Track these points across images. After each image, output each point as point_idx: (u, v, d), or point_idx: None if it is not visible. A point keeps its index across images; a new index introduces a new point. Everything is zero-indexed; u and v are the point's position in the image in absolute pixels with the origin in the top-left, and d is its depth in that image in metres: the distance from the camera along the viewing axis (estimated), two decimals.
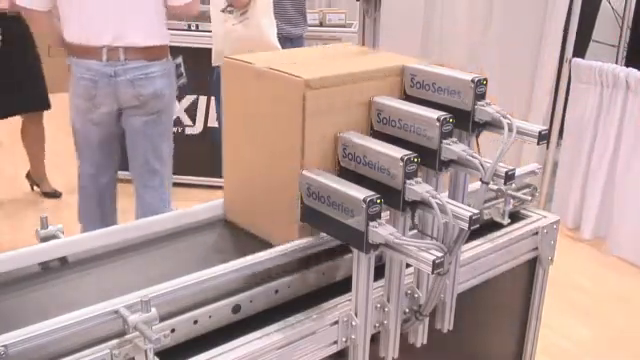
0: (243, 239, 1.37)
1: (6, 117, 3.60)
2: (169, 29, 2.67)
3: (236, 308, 1.12)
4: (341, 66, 1.33)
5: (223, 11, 2.90)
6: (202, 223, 1.45)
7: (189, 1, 2.61)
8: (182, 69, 2.94)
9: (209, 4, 2.99)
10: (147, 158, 2.69)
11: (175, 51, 3.45)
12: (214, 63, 2.97)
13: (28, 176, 3.88)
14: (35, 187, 3.88)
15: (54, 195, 3.79)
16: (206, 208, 1.46)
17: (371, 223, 1.04)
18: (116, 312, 0.98)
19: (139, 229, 1.38)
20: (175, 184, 3.08)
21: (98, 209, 2.73)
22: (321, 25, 4.00)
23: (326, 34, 4.10)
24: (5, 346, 0.89)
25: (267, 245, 1.24)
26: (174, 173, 2.99)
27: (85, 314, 0.97)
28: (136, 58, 2.50)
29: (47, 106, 3.68)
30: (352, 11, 4.05)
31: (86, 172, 2.69)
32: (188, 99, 4.02)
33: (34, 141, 3.74)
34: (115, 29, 2.46)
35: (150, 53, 2.53)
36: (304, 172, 1.17)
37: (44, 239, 1.25)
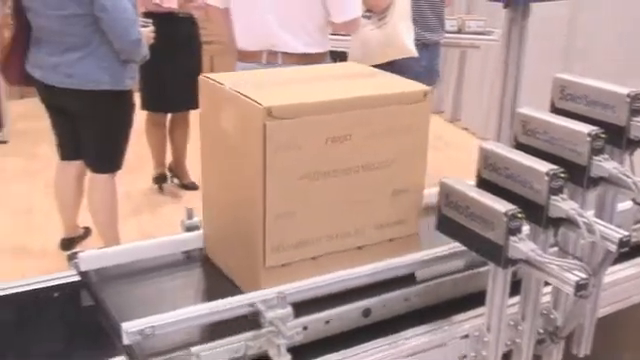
0: None
1: (165, 112, 3.82)
2: None
3: (367, 312, 1.12)
4: (323, 92, 1.14)
5: (362, 16, 2.92)
6: None
7: (347, 20, 2.61)
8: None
9: None
10: None
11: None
12: None
13: (170, 169, 4.09)
14: (175, 179, 4.09)
15: (192, 187, 3.97)
16: None
17: (511, 238, 1.01)
18: (252, 305, 1.02)
19: None
20: None
21: None
22: (460, 32, 3.92)
23: (464, 41, 4.02)
24: (153, 327, 0.95)
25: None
26: None
27: (223, 305, 1.01)
28: (293, 63, 2.57)
29: (197, 106, 3.84)
30: (492, 18, 3.96)
31: None
32: None
33: (180, 136, 3.94)
34: (276, 36, 2.55)
35: (308, 59, 2.57)
36: (443, 180, 1.16)
37: (189, 229, 1.32)
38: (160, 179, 4.01)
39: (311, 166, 1.07)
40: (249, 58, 2.60)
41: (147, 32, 2.79)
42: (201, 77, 1.18)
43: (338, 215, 1.13)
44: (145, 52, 2.69)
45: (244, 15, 2.60)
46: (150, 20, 2.89)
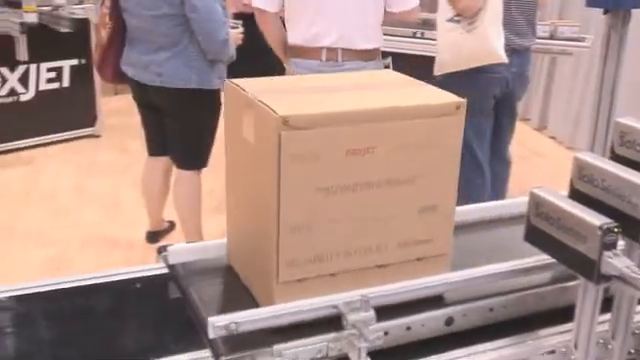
0: None
1: None
2: (394, 35, 2.74)
3: (449, 320, 1.11)
4: (347, 101, 1.08)
5: (450, 20, 2.88)
6: None
7: (408, 8, 2.69)
8: (390, 69, 3.02)
9: (437, 12, 3.00)
10: None
11: (398, 58, 3.51)
12: (436, 72, 2.97)
13: None
14: None
15: None
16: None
17: (605, 252, 0.97)
18: (335, 307, 1.02)
19: None
20: None
21: None
22: (551, 38, 3.81)
23: (556, 48, 3.90)
24: (237, 323, 0.96)
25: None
26: None
27: (306, 305, 1.02)
28: (352, 59, 2.62)
29: None
30: (586, 24, 3.83)
31: None
32: None
33: None
34: (337, 32, 2.61)
35: (366, 54, 2.66)
36: (534, 190, 1.12)
37: None
38: None
39: (329, 179, 1.02)
40: (307, 55, 2.66)
41: (235, 33, 2.85)
42: (227, 82, 1.14)
43: (358, 231, 1.08)
44: (232, 53, 2.75)
45: (304, 12, 2.64)
46: (240, 22, 2.96)
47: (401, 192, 1.08)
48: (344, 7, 2.64)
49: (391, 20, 2.91)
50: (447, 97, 1.12)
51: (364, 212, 1.07)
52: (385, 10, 2.74)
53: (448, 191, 1.14)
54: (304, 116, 0.98)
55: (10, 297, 1.15)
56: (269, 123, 0.98)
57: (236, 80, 1.13)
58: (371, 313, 0.99)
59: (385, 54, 3.03)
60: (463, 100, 1.10)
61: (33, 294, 1.17)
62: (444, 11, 2.87)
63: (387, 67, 2.99)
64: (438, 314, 1.10)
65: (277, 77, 1.27)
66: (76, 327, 1.12)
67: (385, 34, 2.98)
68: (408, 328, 1.08)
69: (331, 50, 2.64)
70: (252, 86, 1.09)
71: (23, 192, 4.06)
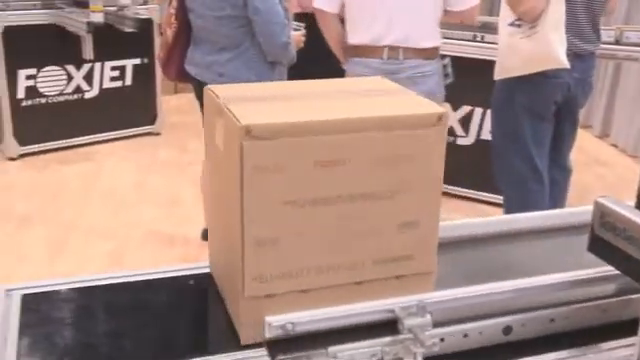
0: None
1: None
2: (453, 38, 2.74)
3: (507, 330, 1.09)
4: (321, 110, 1.02)
5: (511, 24, 2.84)
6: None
7: (467, 8, 2.71)
8: (449, 70, 3.01)
9: (498, 16, 2.96)
10: None
11: (458, 61, 3.48)
12: (496, 77, 2.93)
13: None
14: None
15: None
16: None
17: None
18: (391, 311, 1.01)
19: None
20: None
21: None
22: (617, 43, 3.70)
23: (621, 53, 3.79)
24: (293, 323, 0.97)
25: None
26: None
27: (362, 308, 1.02)
28: (413, 57, 2.65)
29: None
30: None
31: None
32: (463, 109, 4.01)
33: None
34: (397, 32, 2.64)
35: (426, 53, 2.69)
36: (599, 199, 1.10)
37: None
38: None
39: (297, 192, 0.97)
40: (368, 54, 2.71)
41: (297, 36, 2.87)
42: (205, 88, 1.10)
43: (331, 246, 1.02)
44: (292, 55, 2.78)
45: (364, 13, 2.67)
46: (302, 24, 2.98)
47: (378, 207, 1.02)
48: (404, 6, 2.65)
49: (450, 20, 2.90)
50: (428, 108, 1.05)
51: (337, 227, 1.02)
52: (445, 9, 2.75)
53: (430, 206, 1.07)
54: (268, 125, 0.93)
55: (72, 289, 1.18)
56: (233, 132, 0.94)
57: (215, 86, 1.10)
58: (428, 318, 0.98)
59: (444, 56, 3.02)
60: (445, 111, 1.03)
61: (93, 287, 1.21)
62: (505, 15, 2.83)
63: (446, 67, 2.98)
64: (496, 322, 1.08)
65: (260, 83, 1.23)
66: (132, 321, 1.14)
67: (444, 37, 2.96)
68: (465, 335, 1.06)
69: (392, 49, 2.67)
70: (227, 92, 1.06)
71: (85, 188, 4.18)
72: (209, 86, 1.10)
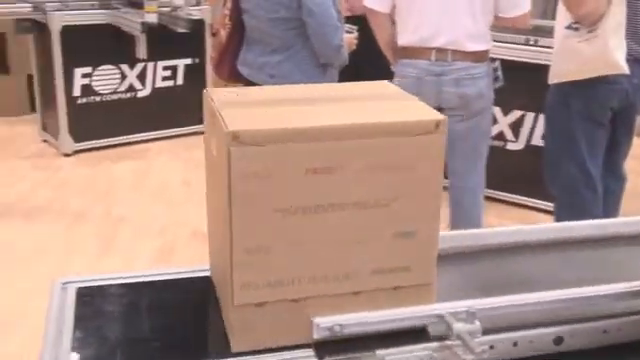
0: None
1: None
2: (504, 42, 2.70)
3: (558, 340, 1.07)
4: (314, 116, 0.99)
5: (568, 27, 2.78)
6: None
7: (520, 13, 2.67)
8: (499, 73, 2.96)
9: (552, 18, 2.92)
10: (466, 159, 2.78)
11: (509, 65, 3.43)
12: (550, 81, 2.87)
13: None
14: None
15: None
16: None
17: None
18: (440, 317, 1.01)
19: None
20: (487, 198, 3.08)
21: None
22: None
23: None
24: (341, 325, 0.97)
25: None
26: (489, 187, 2.99)
27: (410, 312, 1.01)
28: (462, 59, 2.62)
29: None
30: None
31: None
32: (514, 114, 3.95)
33: None
34: (448, 34, 2.63)
35: (475, 56, 2.67)
36: None
37: None
38: None
39: (287, 199, 0.95)
40: (417, 55, 2.69)
41: (350, 38, 2.88)
42: (204, 92, 1.08)
43: (324, 255, 0.99)
44: (344, 58, 2.78)
45: (412, 15, 2.65)
46: (355, 27, 2.98)
47: (372, 216, 0.99)
48: (453, 9, 2.63)
49: (501, 24, 2.87)
50: (426, 114, 1.01)
51: (329, 236, 0.99)
52: (496, 14, 2.71)
53: (429, 216, 1.03)
54: (256, 131, 0.91)
55: (123, 285, 1.20)
56: (222, 138, 0.92)
57: (213, 89, 1.08)
58: (477, 325, 0.97)
59: (494, 60, 2.98)
60: (444, 118, 0.99)
61: (141, 283, 1.22)
62: (563, 18, 2.78)
63: (496, 70, 2.94)
64: (547, 332, 1.06)
65: (261, 88, 1.21)
66: (179, 317, 1.15)
67: (495, 40, 2.92)
68: (515, 344, 1.05)
69: (441, 51, 2.65)
70: (223, 96, 1.04)
71: (135, 185, 4.27)
72: (208, 89, 1.08)
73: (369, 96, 1.13)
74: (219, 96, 1.04)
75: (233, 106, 1.00)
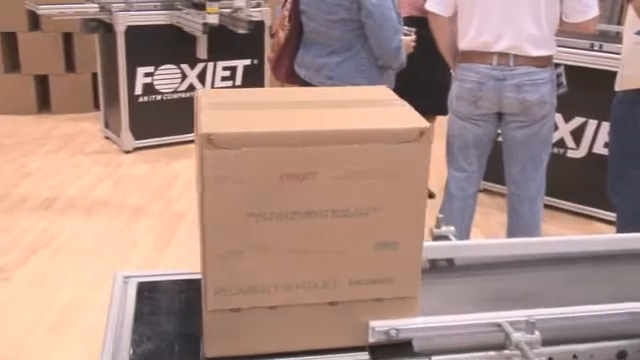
0: None
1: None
2: (568, 46, 2.64)
3: (621, 354, 1.04)
4: (294, 121, 0.96)
5: (638, 33, 2.70)
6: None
7: (588, 19, 2.59)
8: (563, 79, 2.89)
9: (617, 24, 2.83)
10: (526, 166, 2.73)
11: (572, 70, 3.35)
12: (617, 87, 2.79)
13: None
14: None
15: (429, 196, 3.99)
16: None
17: None
18: (498, 325, 0.99)
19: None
20: (546, 206, 3.01)
21: (459, 217, 2.83)
22: None
23: None
24: (397, 330, 0.97)
25: None
26: (548, 194, 2.93)
27: (468, 320, 1.00)
28: (524, 64, 2.58)
29: (444, 112, 3.84)
30: None
31: (455, 180, 2.84)
32: (576, 121, 3.86)
33: None
34: (511, 38, 2.58)
35: (538, 61, 2.62)
36: None
37: (437, 238, 1.32)
38: None
39: (261, 204, 0.92)
40: (478, 59, 2.66)
41: (408, 40, 2.86)
42: (195, 93, 1.08)
43: (300, 263, 0.97)
44: (403, 60, 2.76)
45: (477, 16, 2.62)
46: (413, 29, 2.95)
47: (352, 225, 0.96)
48: (516, 14, 2.58)
49: (566, 29, 2.79)
50: (411, 122, 0.97)
51: (306, 243, 0.96)
52: (562, 19, 2.65)
53: (412, 227, 0.99)
54: (230, 135, 0.89)
55: (182, 281, 1.22)
56: (197, 140, 0.91)
57: (208, 90, 1.06)
58: (537, 335, 0.95)
59: (557, 65, 2.91)
60: (427, 126, 0.96)
61: (199, 280, 1.24)
62: (632, 23, 2.69)
63: (559, 76, 2.87)
64: (610, 346, 1.03)
65: (252, 90, 1.17)
66: None
67: (559, 45, 2.86)
68: (575, 356, 1.02)
69: (502, 55, 2.60)
70: (211, 97, 1.03)
71: (191, 183, 4.32)
72: (198, 90, 1.07)
73: (360, 102, 1.10)
74: (208, 97, 1.03)
75: (215, 108, 0.98)
